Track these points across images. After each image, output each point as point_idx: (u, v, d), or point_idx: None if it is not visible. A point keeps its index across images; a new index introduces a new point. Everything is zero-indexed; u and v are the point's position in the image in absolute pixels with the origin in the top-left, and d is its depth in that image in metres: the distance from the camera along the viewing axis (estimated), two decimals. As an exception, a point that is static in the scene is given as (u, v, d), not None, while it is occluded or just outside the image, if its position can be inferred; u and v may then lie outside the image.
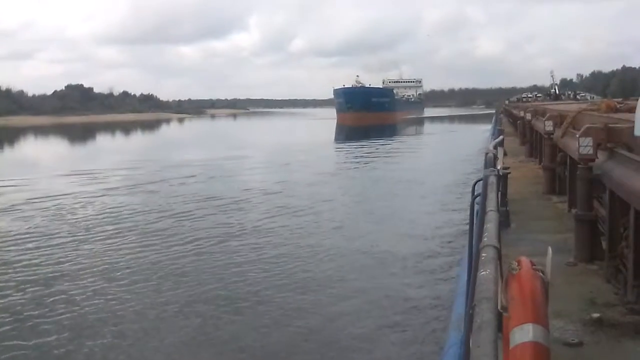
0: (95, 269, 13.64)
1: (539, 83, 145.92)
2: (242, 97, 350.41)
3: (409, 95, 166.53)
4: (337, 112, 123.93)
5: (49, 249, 15.68)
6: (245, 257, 14.67)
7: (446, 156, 40.66)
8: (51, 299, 11.68)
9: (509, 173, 10.54)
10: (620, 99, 15.95)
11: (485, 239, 3.26)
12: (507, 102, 76.70)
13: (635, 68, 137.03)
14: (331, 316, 10.75)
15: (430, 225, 17.94)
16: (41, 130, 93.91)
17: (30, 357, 9.26)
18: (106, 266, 13.89)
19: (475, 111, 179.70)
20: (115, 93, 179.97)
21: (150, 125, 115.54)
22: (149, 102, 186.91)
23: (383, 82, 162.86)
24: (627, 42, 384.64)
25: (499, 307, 2.39)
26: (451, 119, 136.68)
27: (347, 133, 79.11)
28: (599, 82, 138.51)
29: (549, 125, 13.25)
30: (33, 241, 16.41)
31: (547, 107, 23.39)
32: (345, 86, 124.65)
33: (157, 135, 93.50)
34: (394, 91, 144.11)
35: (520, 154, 22.61)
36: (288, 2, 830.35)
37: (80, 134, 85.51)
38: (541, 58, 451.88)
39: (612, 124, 7.86)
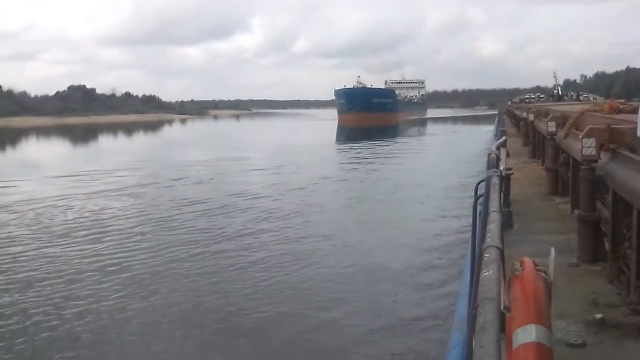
0: (79, 272, 13.52)
1: (542, 84, 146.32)
2: (244, 98, 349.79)
3: (412, 96, 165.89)
4: (339, 113, 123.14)
5: (46, 248, 15.69)
6: (242, 259, 14.57)
7: (448, 158, 40.43)
8: (51, 299, 11.68)
9: (512, 174, 10.55)
10: (623, 100, 15.93)
11: (487, 240, 3.26)
12: (509, 103, 76.68)
13: (639, 69, 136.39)
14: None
15: (427, 232, 17.05)
16: (43, 131, 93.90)
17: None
18: (96, 271, 13.65)
19: (478, 112, 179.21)
20: (118, 94, 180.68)
21: (153, 126, 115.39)
22: (151, 103, 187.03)
23: (385, 83, 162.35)
24: (628, 44, 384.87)
25: (501, 308, 2.38)
26: (454, 119, 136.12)
27: (349, 134, 78.64)
28: (602, 83, 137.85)
29: (551, 126, 13.27)
30: (23, 244, 16.34)
31: (549, 108, 23.39)
32: (347, 87, 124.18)
33: (160, 136, 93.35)
34: (397, 92, 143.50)
35: (523, 154, 22.57)
36: (291, 3, 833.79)
37: (83, 135, 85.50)
38: (544, 59, 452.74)
39: (614, 125, 7.86)
